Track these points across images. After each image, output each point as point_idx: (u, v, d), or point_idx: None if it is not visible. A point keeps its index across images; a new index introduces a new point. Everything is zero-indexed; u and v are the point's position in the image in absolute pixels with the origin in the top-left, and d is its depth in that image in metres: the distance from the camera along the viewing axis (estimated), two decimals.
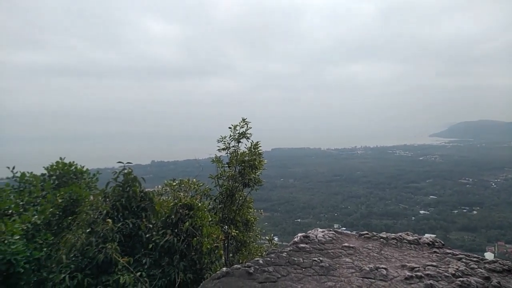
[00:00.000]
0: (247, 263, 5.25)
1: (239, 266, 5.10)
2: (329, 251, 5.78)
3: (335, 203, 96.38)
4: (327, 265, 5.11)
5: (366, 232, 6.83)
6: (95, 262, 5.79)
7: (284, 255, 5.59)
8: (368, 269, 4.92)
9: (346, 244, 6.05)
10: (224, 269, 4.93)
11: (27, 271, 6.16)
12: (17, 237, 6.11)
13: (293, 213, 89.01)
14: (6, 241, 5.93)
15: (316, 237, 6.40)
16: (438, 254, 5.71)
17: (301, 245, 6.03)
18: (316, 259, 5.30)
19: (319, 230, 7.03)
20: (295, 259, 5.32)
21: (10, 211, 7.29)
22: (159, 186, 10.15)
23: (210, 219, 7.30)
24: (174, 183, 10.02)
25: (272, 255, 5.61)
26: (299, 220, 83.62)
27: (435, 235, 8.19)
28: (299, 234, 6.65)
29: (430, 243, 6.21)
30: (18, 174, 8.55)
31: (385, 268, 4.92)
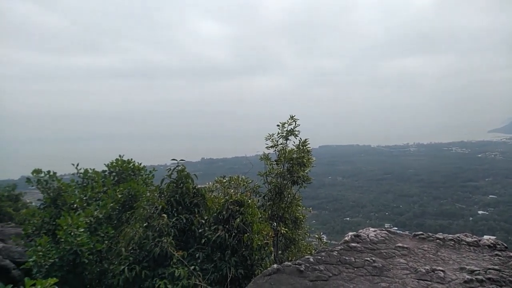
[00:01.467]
0: (297, 261, 5.28)
1: (289, 263, 5.14)
2: (382, 251, 5.66)
3: (385, 202, 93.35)
4: (380, 265, 5.01)
5: (421, 232, 6.60)
6: (151, 255, 6.08)
7: (335, 254, 5.55)
8: (424, 270, 4.77)
9: (399, 245, 5.89)
10: (275, 266, 4.99)
11: (91, 262, 6.60)
12: (82, 229, 6.54)
13: (342, 212, 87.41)
14: (72, 233, 6.39)
15: (368, 237, 6.28)
16: (500, 258, 5.40)
17: (352, 244, 5.95)
18: (368, 259, 5.21)
19: (371, 229, 6.88)
20: (347, 258, 5.27)
21: (75, 205, 7.83)
22: (210, 182, 10.42)
23: (260, 216, 7.40)
24: (224, 180, 10.25)
25: (323, 254, 5.59)
26: (348, 218, 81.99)
27: (495, 237, 7.71)
28: (350, 233, 6.56)
29: (491, 245, 5.88)
30: (82, 171, 9.15)
31: (442, 270, 4.74)
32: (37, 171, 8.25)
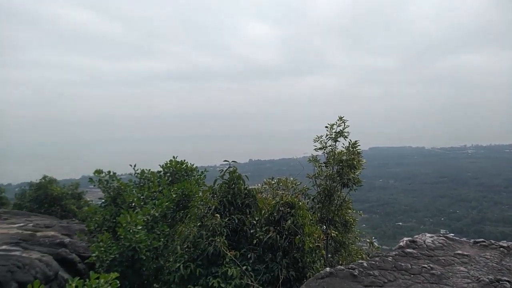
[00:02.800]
0: (350, 265, 5.20)
1: (342, 267, 5.08)
2: (440, 258, 5.43)
3: (441, 207, 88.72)
4: (439, 273, 4.81)
5: (482, 239, 6.24)
6: (205, 254, 6.25)
7: (389, 259, 5.41)
8: (487, 280, 4.51)
9: (459, 252, 5.62)
10: (328, 269, 4.96)
11: (148, 259, 6.91)
12: (140, 227, 6.87)
13: (394, 216, 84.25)
14: (131, 231, 6.73)
15: (424, 243, 6.05)
16: None
17: (408, 250, 5.76)
18: (425, 265, 5.02)
19: (427, 235, 6.62)
20: (402, 264, 5.11)
21: (133, 204, 8.24)
22: (259, 184, 10.50)
23: (310, 218, 7.36)
24: (273, 182, 10.29)
25: (377, 259, 5.46)
26: (400, 223, 78.90)
27: None
28: (405, 239, 6.35)
29: None
30: (139, 171, 9.61)
31: (508, 281, 4.46)
32: (98, 172, 8.78)
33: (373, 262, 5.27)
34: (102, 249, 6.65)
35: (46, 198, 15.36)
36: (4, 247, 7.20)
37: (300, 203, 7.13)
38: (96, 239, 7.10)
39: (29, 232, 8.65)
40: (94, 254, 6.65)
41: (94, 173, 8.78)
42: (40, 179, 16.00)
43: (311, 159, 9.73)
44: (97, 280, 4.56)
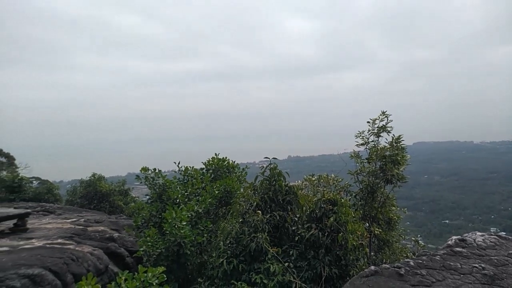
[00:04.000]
0: (396, 264, 5.08)
1: (387, 265, 4.98)
2: (492, 257, 5.18)
3: (491, 204, 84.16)
4: (491, 273, 4.60)
5: None
6: (248, 250, 6.33)
7: (437, 258, 5.24)
8: None
9: None
10: (373, 267, 4.87)
11: (192, 254, 7.10)
12: (184, 223, 7.06)
13: (439, 214, 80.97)
14: (176, 226, 6.94)
15: (475, 241, 5.80)
16: None
17: (457, 249, 5.55)
18: (476, 265, 4.82)
19: (478, 233, 6.34)
20: (451, 263, 4.93)
21: (177, 201, 8.48)
22: (299, 180, 10.45)
23: (353, 215, 7.25)
24: (314, 178, 10.20)
25: (424, 258, 5.31)
26: (446, 221, 75.72)
27: None
28: (454, 237, 6.12)
29: None
30: (183, 168, 9.88)
31: None
32: (144, 169, 9.11)
33: (420, 261, 5.12)
34: (149, 243, 6.89)
35: (95, 195, 16.16)
36: (59, 240, 7.66)
37: (342, 200, 7.04)
38: (143, 234, 7.37)
39: (81, 227, 9.13)
40: (141, 249, 6.91)
41: (141, 170, 9.12)
42: (90, 177, 16.85)
43: (352, 155, 9.56)
44: (145, 274, 4.76)
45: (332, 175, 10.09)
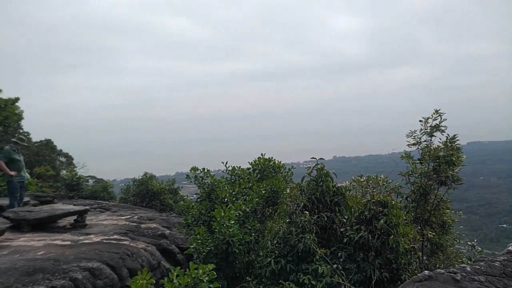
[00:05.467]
0: (451, 269, 4.86)
1: (442, 271, 4.77)
2: None
3: None
4: None
5: None
6: (295, 250, 6.33)
7: (497, 264, 4.94)
8: None
9: None
10: (426, 272, 4.70)
11: (240, 252, 7.21)
12: (232, 222, 7.19)
13: (496, 217, 76.07)
14: (225, 225, 7.09)
15: None
16: None
17: None
18: None
19: None
20: None
21: (225, 200, 8.66)
22: (346, 181, 10.29)
23: (404, 218, 7.03)
24: (362, 179, 10.00)
25: (482, 263, 5.03)
26: (504, 225, 70.97)
27: None
28: None
29: None
30: (230, 168, 10.07)
31: None
32: (194, 169, 9.39)
33: (478, 267, 4.86)
34: (199, 241, 7.09)
35: (147, 193, 16.84)
36: (115, 236, 8.08)
37: (393, 202, 6.85)
38: (193, 232, 7.59)
39: (135, 223, 9.56)
40: (192, 246, 7.12)
41: (190, 170, 9.41)
42: (142, 176, 17.59)
43: (403, 155, 9.27)
44: (195, 271, 4.90)
45: (382, 176, 9.84)
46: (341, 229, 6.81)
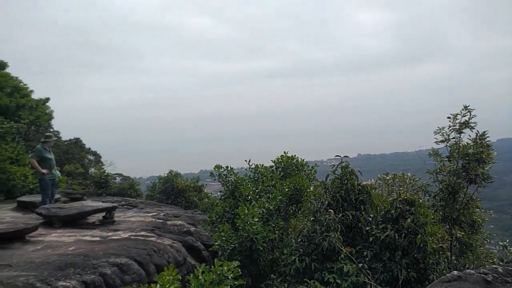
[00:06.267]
0: (482, 270, 4.72)
1: (472, 271, 4.65)
2: None
3: None
4: None
5: None
6: (320, 248, 6.30)
7: None
8: None
9: None
10: (455, 272, 4.59)
11: (264, 250, 7.24)
12: (256, 219, 7.22)
13: None
14: (248, 222, 7.13)
15: None
16: None
17: None
18: None
19: None
20: None
21: (249, 197, 8.70)
22: (372, 179, 10.14)
23: (432, 217, 6.88)
24: (388, 177, 9.84)
25: None
26: None
27: None
28: None
29: None
30: (253, 166, 10.11)
31: None
32: (217, 167, 9.47)
33: (510, 268, 4.70)
34: (224, 238, 7.16)
35: (172, 191, 17.11)
36: (142, 233, 8.26)
37: (420, 200, 6.72)
38: (218, 229, 7.67)
39: (161, 220, 9.74)
40: (216, 243, 7.20)
41: (214, 168, 9.49)
42: (167, 173, 17.89)
43: (431, 153, 9.07)
44: (220, 267, 4.95)
45: (409, 174, 9.66)
46: (367, 228, 6.73)
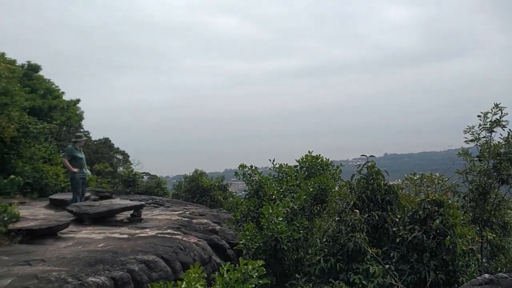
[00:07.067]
0: None
1: (505, 275, 4.51)
2: None
3: None
4: None
5: None
6: (345, 249, 6.24)
7: None
8: None
9: None
10: (487, 275, 4.46)
11: (289, 249, 7.23)
12: (280, 219, 7.23)
13: None
14: (273, 221, 7.15)
15: None
16: None
17: None
18: None
19: None
20: None
21: (273, 197, 8.72)
22: (398, 180, 9.96)
23: (462, 218, 6.70)
24: (415, 177, 9.63)
25: None
26: None
27: None
28: None
29: None
30: (277, 166, 10.13)
31: None
32: (242, 166, 9.54)
33: None
34: (248, 237, 7.21)
35: (197, 189, 17.31)
36: (169, 230, 8.42)
37: (450, 201, 6.56)
38: (242, 228, 7.72)
39: (187, 219, 9.89)
40: (241, 242, 7.25)
41: (239, 167, 9.57)
42: (192, 172, 18.12)
43: (461, 152, 8.83)
44: (245, 266, 4.99)
45: (437, 174, 9.44)
46: (394, 229, 6.63)
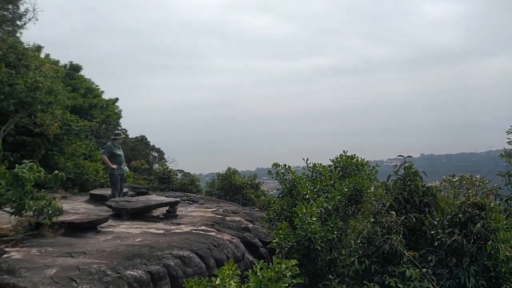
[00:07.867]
0: None
1: None
2: None
3: None
4: None
5: None
6: (380, 251, 6.10)
7: None
8: None
9: None
10: None
11: (322, 250, 7.19)
12: (314, 218, 7.20)
13: None
14: (306, 221, 7.13)
15: None
16: None
17: None
18: None
19: None
20: None
21: (307, 196, 8.69)
22: (437, 181, 9.66)
23: (505, 222, 6.41)
24: (454, 179, 9.30)
25: None
26: None
27: None
28: None
29: None
30: (311, 165, 10.07)
31: None
32: (275, 165, 9.57)
33: None
34: (281, 236, 7.22)
35: (230, 187, 17.48)
36: (203, 227, 8.56)
37: (492, 204, 6.29)
38: (275, 227, 7.74)
39: (220, 216, 10.02)
40: (274, 241, 7.28)
41: (272, 166, 9.60)
42: (225, 171, 18.32)
43: (503, 153, 8.44)
44: (279, 265, 5.00)
45: (478, 176, 9.06)
46: (432, 232, 6.44)
